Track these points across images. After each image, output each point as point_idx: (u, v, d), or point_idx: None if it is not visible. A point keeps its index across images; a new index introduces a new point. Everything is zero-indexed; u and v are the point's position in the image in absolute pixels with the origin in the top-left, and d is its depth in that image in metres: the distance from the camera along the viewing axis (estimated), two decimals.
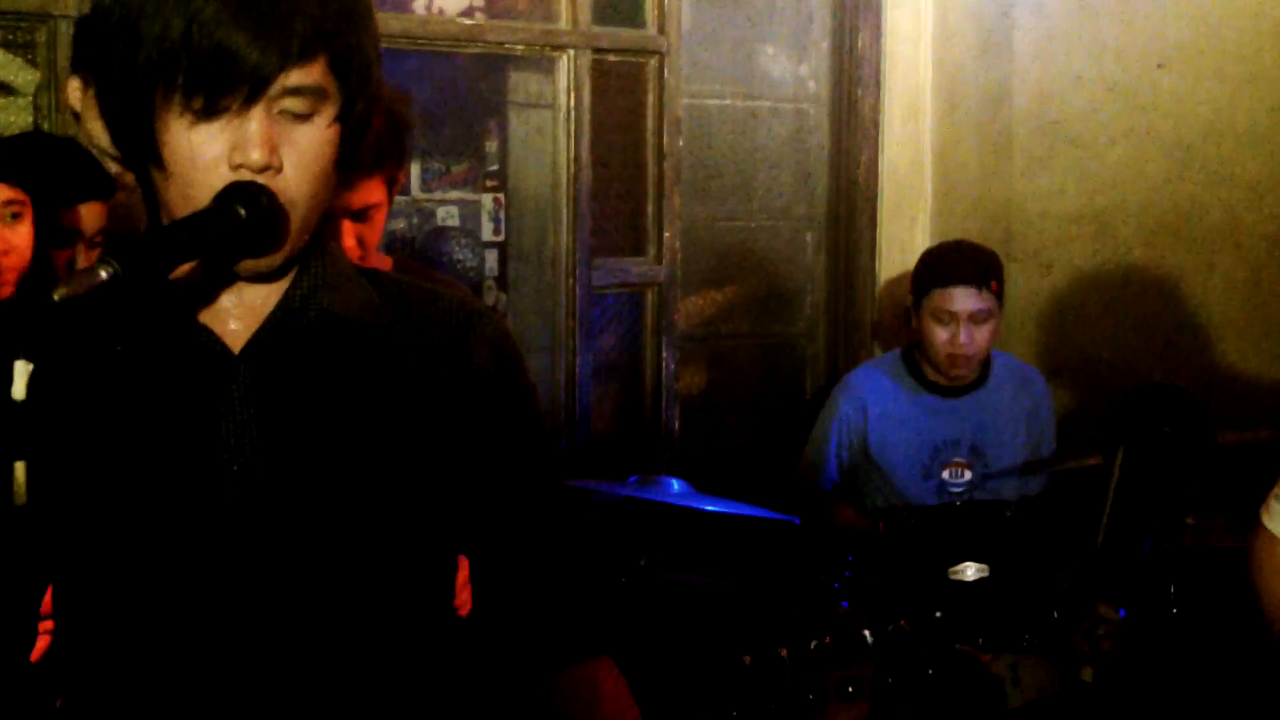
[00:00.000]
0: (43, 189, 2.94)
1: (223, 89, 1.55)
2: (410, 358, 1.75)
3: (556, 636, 1.88)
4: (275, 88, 1.57)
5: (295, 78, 1.57)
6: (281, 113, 1.59)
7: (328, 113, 1.62)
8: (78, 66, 3.23)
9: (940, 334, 4.15)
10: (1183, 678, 3.30)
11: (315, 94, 1.60)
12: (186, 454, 1.64)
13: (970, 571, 3.52)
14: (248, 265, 1.63)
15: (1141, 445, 1.83)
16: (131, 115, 1.61)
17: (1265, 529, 2.51)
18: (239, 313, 1.69)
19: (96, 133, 3.19)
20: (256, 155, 1.56)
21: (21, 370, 1.39)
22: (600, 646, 1.91)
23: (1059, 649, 3.19)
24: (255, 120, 1.57)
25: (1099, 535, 1.66)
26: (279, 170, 1.59)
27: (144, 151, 1.62)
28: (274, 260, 1.64)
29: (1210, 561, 3.54)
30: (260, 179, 1.57)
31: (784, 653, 3.04)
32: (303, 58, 1.57)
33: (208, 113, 1.56)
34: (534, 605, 1.87)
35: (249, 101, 1.56)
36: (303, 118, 1.60)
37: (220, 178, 1.57)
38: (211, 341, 1.67)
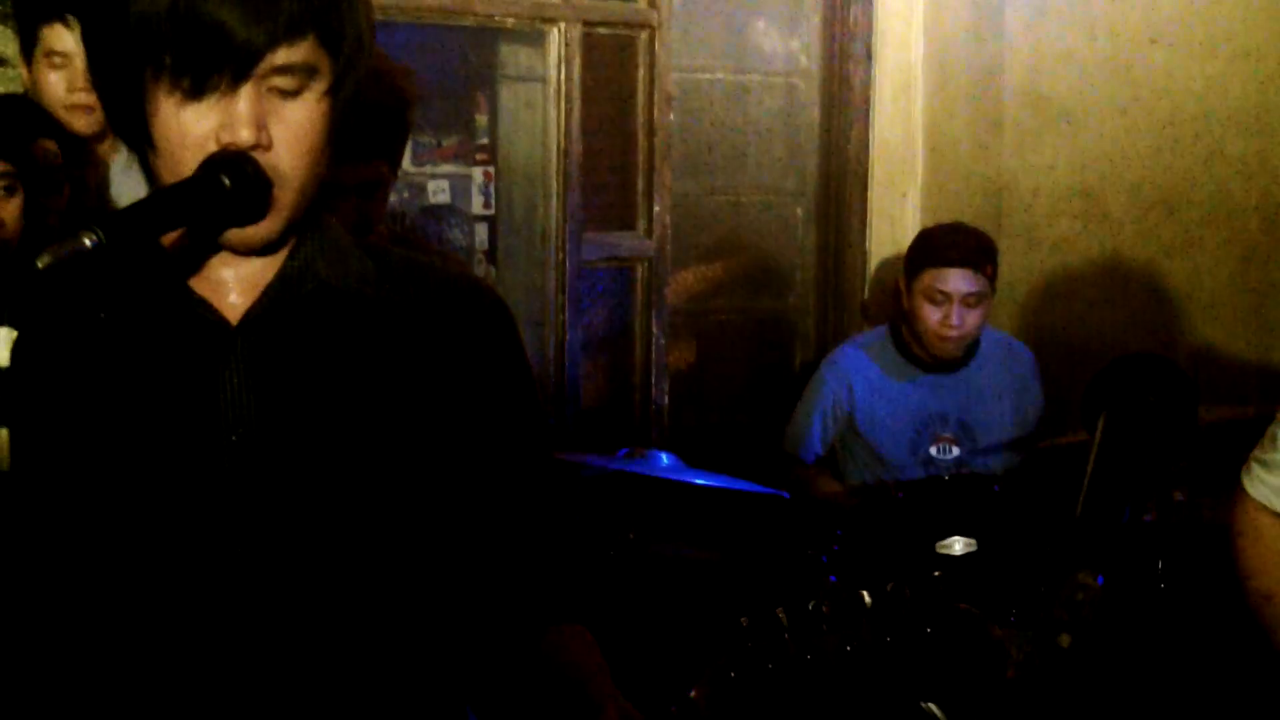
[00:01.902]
0: (29, 151, 2.94)
1: (210, 68, 1.54)
2: (408, 329, 1.75)
3: (544, 607, 1.88)
4: (263, 66, 1.56)
5: (283, 55, 1.56)
6: (270, 90, 1.58)
7: (318, 88, 1.61)
8: (25, 53, 3.24)
9: (932, 314, 4.15)
10: (1165, 650, 3.31)
11: (304, 71, 1.58)
12: (184, 424, 1.64)
13: (958, 545, 3.53)
14: (237, 237, 1.63)
15: (1124, 413, 1.83)
16: (121, 93, 1.60)
17: (1245, 491, 2.51)
18: (237, 285, 1.69)
19: (45, 99, 3.20)
20: (245, 134, 1.56)
21: (4, 337, 1.39)
22: (580, 617, 1.91)
23: (1038, 617, 3.20)
24: (243, 99, 1.56)
25: (1079, 503, 1.66)
26: (269, 148, 1.58)
27: (135, 128, 1.61)
28: (265, 231, 1.63)
29: (1198, 537, 3.55)
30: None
31: (781, 614, 3.05)
32: (291, 35, 1.56)
33: (196, 91, 1.55)
34: (524, 576, 1.88)
35: (237, 80, 1.55)
36: (291, 94, 1.59)
37: (209, 154, 1.56)
38: (209, 313, 1.67)
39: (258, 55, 1.54)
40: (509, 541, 1.86)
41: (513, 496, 1.86)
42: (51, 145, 3.08)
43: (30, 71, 3.28)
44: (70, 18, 3.18)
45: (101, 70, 1.62)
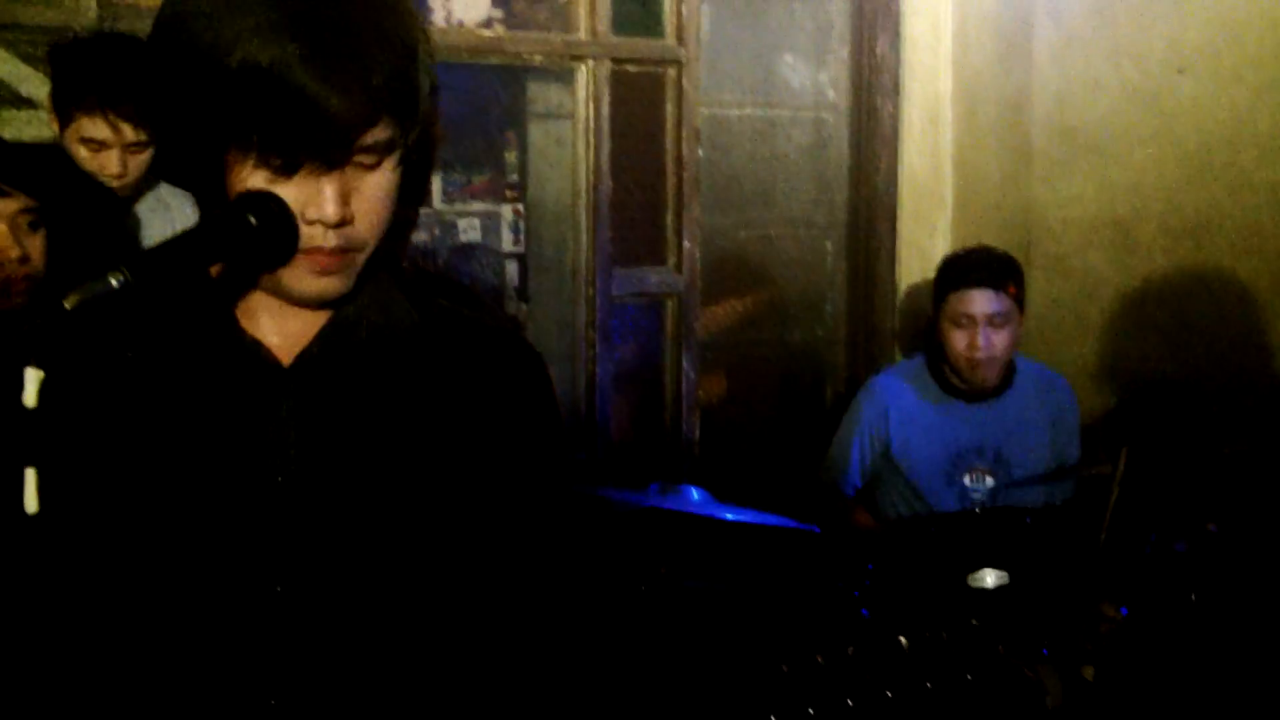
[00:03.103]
0: (56, 198, 2.96)
1: (308, 150, 1.54)
2: (448, 380, 1.77)
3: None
4: (354, 147, 1.57)
5: (372, 136, 1.57)
6: (352, 165, 1.59)
7: (394, 158, 1.62)
8: (56, 105, 3.26)
9: (959, 338, 4.15)
10: (1196, 682, 3.29)
11: (386, 147, 1.60)
12: (231, 465, 1.65)
13: (990, 578, 3.52)
14: (312, 290, 1.63)
15: (1146, 444, 1.83)
16: (201, 164, 1.59)
17: None
18: (289, 328, 1.69)
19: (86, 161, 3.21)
20: (332, 210, 1.57)
21: (32, 377, 1.40)
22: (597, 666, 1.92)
23: (1064, 650, 3.18)
24: (334, 181, 1.57)
25: (1101, 534, 1.65)
26: (351, 221, 1.60)
27: (210, 192, 1.60)
28: (338, 288, 1.64)
29: (1231, 569, 3.53)
30: (333, 234, 1.58)
31: (820, 660, 3.04)
32: (380, 114, 1.57)
33: (287, 171, 1.56)
34: (546, 617, 1.89)
35: (332, 166, 1.56)
36: (372, 168, 1.60)
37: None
38: (262, 354, 1.68)
39: (352, 138, 1.55)
40: (527, 586, 1.86)
41: (531, 539, 1.86)
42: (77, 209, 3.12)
43: (61, 137, 3.32)
44: (109, 110, 3.22)
45: (176, 139, 1.61)
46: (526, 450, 1.82)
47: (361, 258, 1.64)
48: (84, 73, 3.24)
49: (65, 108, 3.29)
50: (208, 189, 1.61)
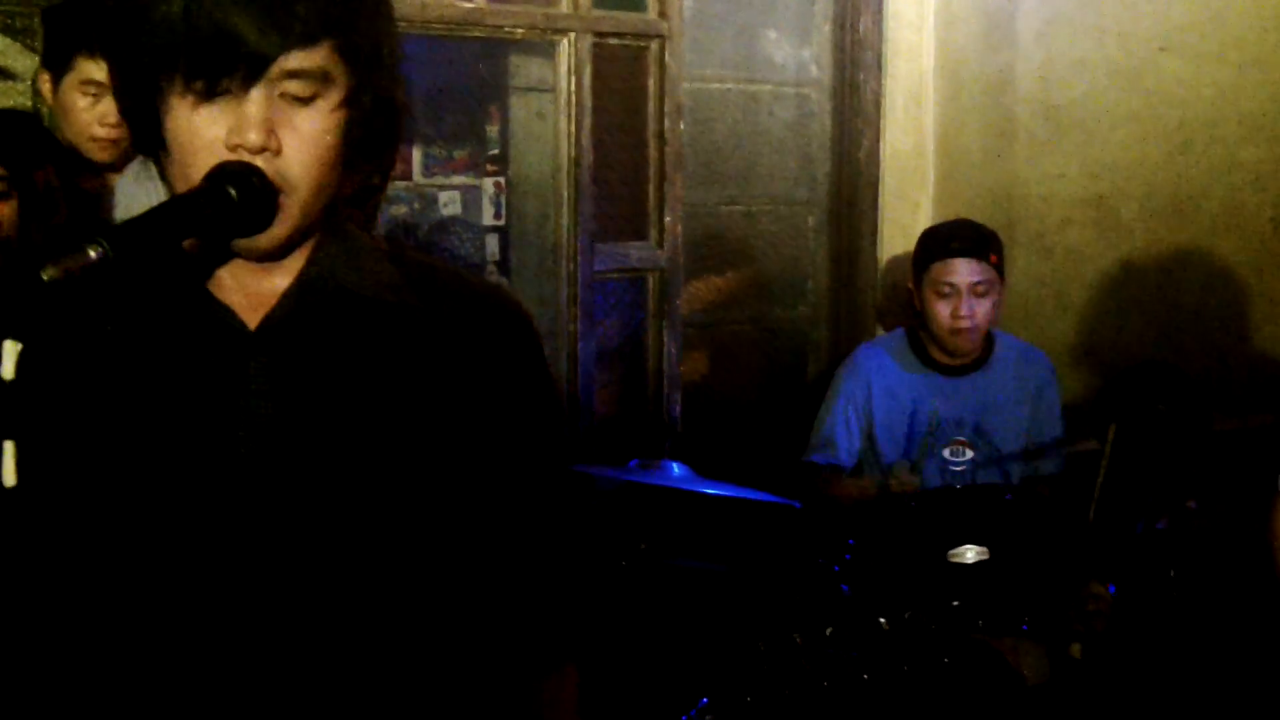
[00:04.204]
0: (26, 163, 2.95)
1: (222, 70, 1.55)
2: (429, 336, 1.75)
3: (535, 652, 1.89)
4: (275, 70, 1.56)
5: (296, 60, 1.57)
6: (283, 96, 1.58)
7: (332, 97, 1.61)
8: (48, 62, 3.26)
9: (942, 308, 4.16)
10: (1178, 658, 3.30)
11: (318, 78, 1.59)
12: (202, 430, 1.64)
13: (970, 554, 3.52)
14: (244, 245, 1.63)
15: (1134, 422, 1.83)
16: (139, 98, 1.61)
17: None
18: (255, 290, 1.69)
19: (65, 126, 3.21)
20: (253, 137, 1.56)
21: (10, 350, 1.39)
22: (572, 655, 1.92)
23: (1051, 628, 3.18)
24: (254, 102, 1.56)
25: (1090, 512, 1.65)
26: (278, 153, 1.58)
27: (151, 134, 1.62)
28: (270, 239, 1.63)
29: (1211, 546, 3.54)
30: (258, 161, 1.57)
31: (798, 639, 3.04)
32: (305, 41, 1.56)
33: (208, 94, 1.56)
34: (532, 596, 1.88)
35: (247, 83, 1.56)
36: (305, 101, 1.59)
37: (219, 159, 1.57)
38: (228, 317, 1.67)
39: (269, 59, 1.55)
40: (512, 563, 1.86)
41: (520, 513, 1.85)
42: (52, 177, 3.09)
43: (56, 95, 3.29)
44: None
45: (120, 76, 1.64)
46: (511, 408, 1.80)
47: (294, 203, 1.62)
48: (82, 13, 3.22)
49: (63, 55, 3.25)
50: (145, 125, 1.62)
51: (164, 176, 1.67)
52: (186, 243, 1.60)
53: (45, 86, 3.32)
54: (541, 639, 1.90)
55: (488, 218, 4.90)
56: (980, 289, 4.14)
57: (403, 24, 4.26)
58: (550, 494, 1.89)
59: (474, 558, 1.82)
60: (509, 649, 1.88)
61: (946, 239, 4.20)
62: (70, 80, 3.26)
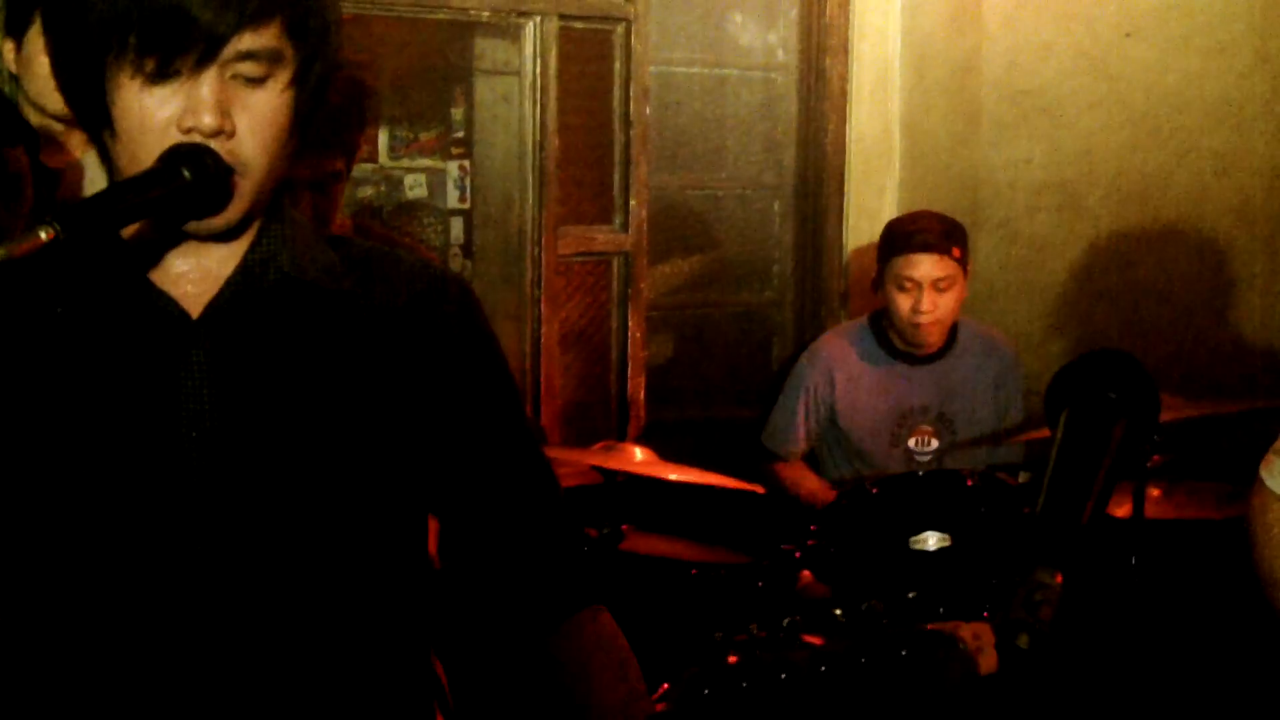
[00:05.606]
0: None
1: (175, 51, 1.53)
2: (373, 320, 1.74)
3: (551, 593, 1.88)
4: (229, 51, 1.54)
5: (249, 40, 1.55)
6: (234, 76, 1.56)
7: (283, 76, 1.59)
8: (10, 29, 3.20)
9: (903, 301, 4.17)
10: (1137, 647, 3.30)
11: (270, 57, 1.57)
12: (144, 419, 1.62)
13: (932, 540, 3.53)
14: (196, 224, 1.61)
15: (1085, 410, 1.82)
16: (83, 76, 1.58)
17: (1265, 486, 2.48)
18: (198, 277, 1.67)
19: (35, 94, 3.16)
20: (208, 119, 1.54)
21: None
22: (593, 596, 1.91)
23: (998, 617, 3.19)
24: (207, 84, 1.55)
25: (1039, 500, 1.65)
26: (231, 135, 1.57)
27: (96, 113, 1.59)
28: (224, 219, 1.61)
29: (1171, 533, 3.55)
30: (212, 144, 1.55)
31: (756, 629, 3.04)
32: (257, 20, 1.55)
33: (160, 75, 1.54)
34: (526, 562, 1.87)
35: (201, 64, 1.54)
36: (257, 81, 1.58)
37: (171, 141, 1.55)
38: (170, 306, 1.65)
39: (223, 39, 1.53)
40: (502, 532, 1.86)
41: (501, 483, 1.85)
42: (22, 156, 3.05)
43: (19, 59, 3.23)
44: None
45: (63, 53, 1.61)
46: (465, 385, 1.80)
47: (248, 185, 1.60)
48: None
49: (25, 19, 3.20)
50: (92, 111, 1.60)
51: (107, 156, 1.64)
52: (136, 226, 1.59)
53: (9, 55, 3.27)
54: (567, 578, 1.89)
55: (453, 201, 4.88)
56: (942, 284, 4.15)
57: (368, 5, 4.26)
58: (523, 458, 1.89)
59: (443, 526, 1.82)
60: (530, 598, 1.87)
61: (909, 233, 4.20)
62: (31, 40, 3.21)
